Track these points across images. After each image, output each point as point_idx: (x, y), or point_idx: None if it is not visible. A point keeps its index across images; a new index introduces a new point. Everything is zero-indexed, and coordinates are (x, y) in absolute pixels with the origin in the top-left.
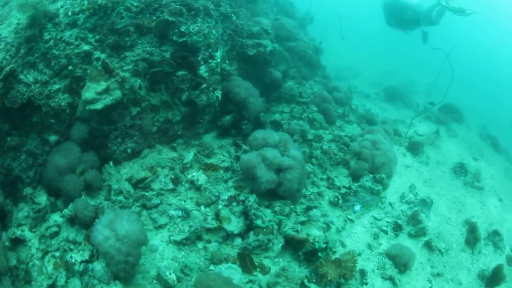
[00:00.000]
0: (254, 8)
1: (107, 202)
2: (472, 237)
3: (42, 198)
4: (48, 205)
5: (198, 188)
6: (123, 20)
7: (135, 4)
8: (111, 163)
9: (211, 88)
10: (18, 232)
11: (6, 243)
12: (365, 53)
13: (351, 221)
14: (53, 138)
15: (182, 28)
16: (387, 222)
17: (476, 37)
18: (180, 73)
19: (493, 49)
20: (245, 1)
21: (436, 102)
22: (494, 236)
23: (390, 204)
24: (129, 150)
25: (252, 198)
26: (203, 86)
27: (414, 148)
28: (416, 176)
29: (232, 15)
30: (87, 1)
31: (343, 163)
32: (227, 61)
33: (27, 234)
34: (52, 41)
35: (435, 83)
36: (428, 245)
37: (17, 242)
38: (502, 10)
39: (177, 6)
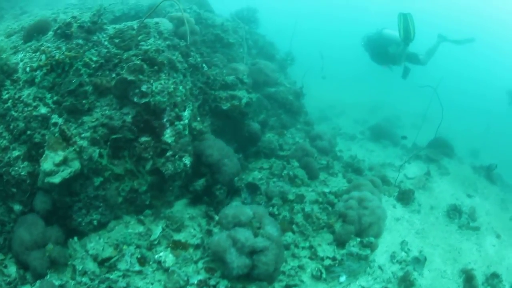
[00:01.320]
0: (230, 54)
1: (73, 282)
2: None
3: (12, 269)
4: (18, 278)
5: (166, 270)
6: (74, 80)
7: (94, 59)
8: (75, 238)
9: (177, 156)
10: None
11: None
12: (348, 90)
13: None
14: (17, 207)
15: (143, 88)
16: None
17: (458, 68)
18: (143, 139)
19: (478, 78)
20: (221, 46)
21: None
22: (493, 279)
23: (380, 267)
24: (95, 222)
25: (224, 284)
26: (168, 154)
27: (405, 197)
28: (408, 229)
29: (203, 65)
30: (44, 56)
31: (327, 227)
32: (198, 118)
33: None
34: (10, 101)
35: (425, 116)
36: None
37: None
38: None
39: (138, 62)
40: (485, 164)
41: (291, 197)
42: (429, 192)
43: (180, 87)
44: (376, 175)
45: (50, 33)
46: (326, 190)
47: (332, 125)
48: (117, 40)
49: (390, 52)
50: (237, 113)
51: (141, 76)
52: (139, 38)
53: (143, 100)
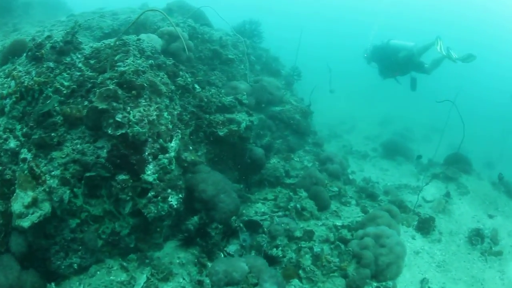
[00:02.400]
0: (230, 71)
1: None
2: None
3: None
4: None
5: None
6: (41, 105)
7: (65, 84)
8: (53, 284)
9: (160, 198)
10: None
11: None
12: (358, 105)
13: None
14: None
15: (118, 117)
16: None
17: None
18: (121, 177)
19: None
20: (220, 62)
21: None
22: None
23: None
24: (75, 266)
25: None
26: (150, 194)
27: (425, 226)
28: (428, 262)
29: (195, 86)
30: (14, 82)
31: (339, 270)
32: (190, 147)
33: None
34: None
35: (443, 131)
36: None
37: None
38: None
39: (111, 87)
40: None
41: (298, 234)
42: (449, 216)
43: (165, 114)
44: (392, 200)
45: (24, 55)
46: (338, 223)
47: (342, 143)
48: (92, 61)
49: (400, 57)
50: (236, 139)
51: (115, 104)
52: (116, 57)
53: (119, 132)
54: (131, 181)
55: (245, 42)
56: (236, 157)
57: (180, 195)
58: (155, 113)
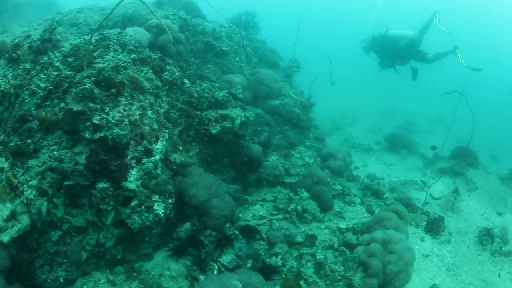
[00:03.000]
0: (225, 64)
1: None
2: None
3: None
4: None
5: None
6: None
7: (42, 85)
8: None
9: (144, 207)
10: None
11: None
12: (359, 96)
13: None
14: None
15: (95, 119)
16: None
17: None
18: (101, 186)
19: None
20: (213, 55)
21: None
22: None
23: None
24: (61, 279)
25: None
26: (133, 204)
27: (434, 228)
28: (438, 266)
29: (184, 80)
30: None
31: (344, 280)
32: (180, 147)
33: None
34: None
35: (451, 124)
36: None
37: None
38: None
39: (87, 86)
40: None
41: (299, 239)
42: (458, 214)
43: (149, 113)
44: (399, 198)
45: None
46: (343, 225)
47: (345, 136)
48: (71, 59)
49: (401, 45)
50: (230, 137)
51: (91, 105)
52: (95, 54)
53: (97, 135)
54: (112, 189)
55: (240, 33)
56: (232, 155)
57: (170, 200)
58: (137, 112)
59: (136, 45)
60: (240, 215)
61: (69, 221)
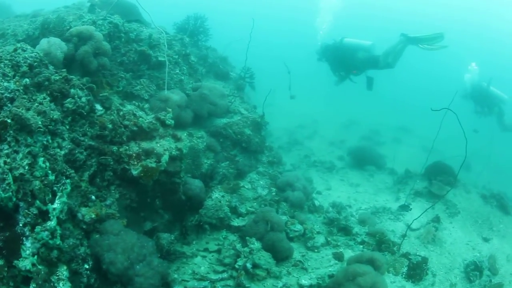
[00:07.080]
0: (161, 77)
1: None
2: None
3: None
4: None
5: None
6: None
7: None
8: None
9: None
10: None
11: None
12: (318, 106)
13: None
14: None
15: None
16: None
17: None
18: None
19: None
20: (148, 67)
21: None
22: None
23: None
24: None
25: None
26: (31, 287)
27: (417, 273)
28: None
29: (96, 106)
30: None
31: None
32: (93, 197)
33: None
34: None
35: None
36: None
37: None
38: None
39: None
40: (493, 189)
41: None
42: (441, 246)
43: (40, 161)
44: (371, 232)
45: None
46: (305, 281)
47: (304, 152)
48: None
49: (359, 58)
50: (157, 177)
51: None
52: None
53: None
54: (6, 268)
55: (182, 39)
56: (166, 195)
57: (86, 266)
58: (26, 162)
59: (35, 63)
60: (176, 275)
61: None
